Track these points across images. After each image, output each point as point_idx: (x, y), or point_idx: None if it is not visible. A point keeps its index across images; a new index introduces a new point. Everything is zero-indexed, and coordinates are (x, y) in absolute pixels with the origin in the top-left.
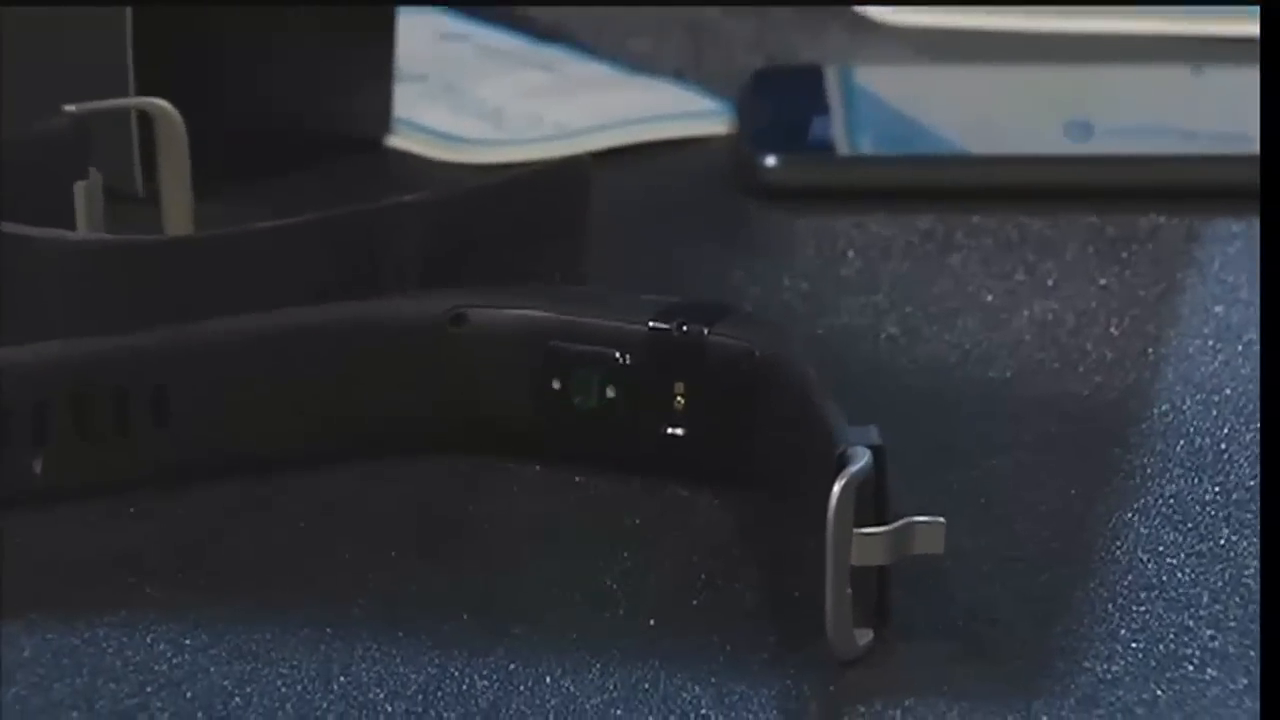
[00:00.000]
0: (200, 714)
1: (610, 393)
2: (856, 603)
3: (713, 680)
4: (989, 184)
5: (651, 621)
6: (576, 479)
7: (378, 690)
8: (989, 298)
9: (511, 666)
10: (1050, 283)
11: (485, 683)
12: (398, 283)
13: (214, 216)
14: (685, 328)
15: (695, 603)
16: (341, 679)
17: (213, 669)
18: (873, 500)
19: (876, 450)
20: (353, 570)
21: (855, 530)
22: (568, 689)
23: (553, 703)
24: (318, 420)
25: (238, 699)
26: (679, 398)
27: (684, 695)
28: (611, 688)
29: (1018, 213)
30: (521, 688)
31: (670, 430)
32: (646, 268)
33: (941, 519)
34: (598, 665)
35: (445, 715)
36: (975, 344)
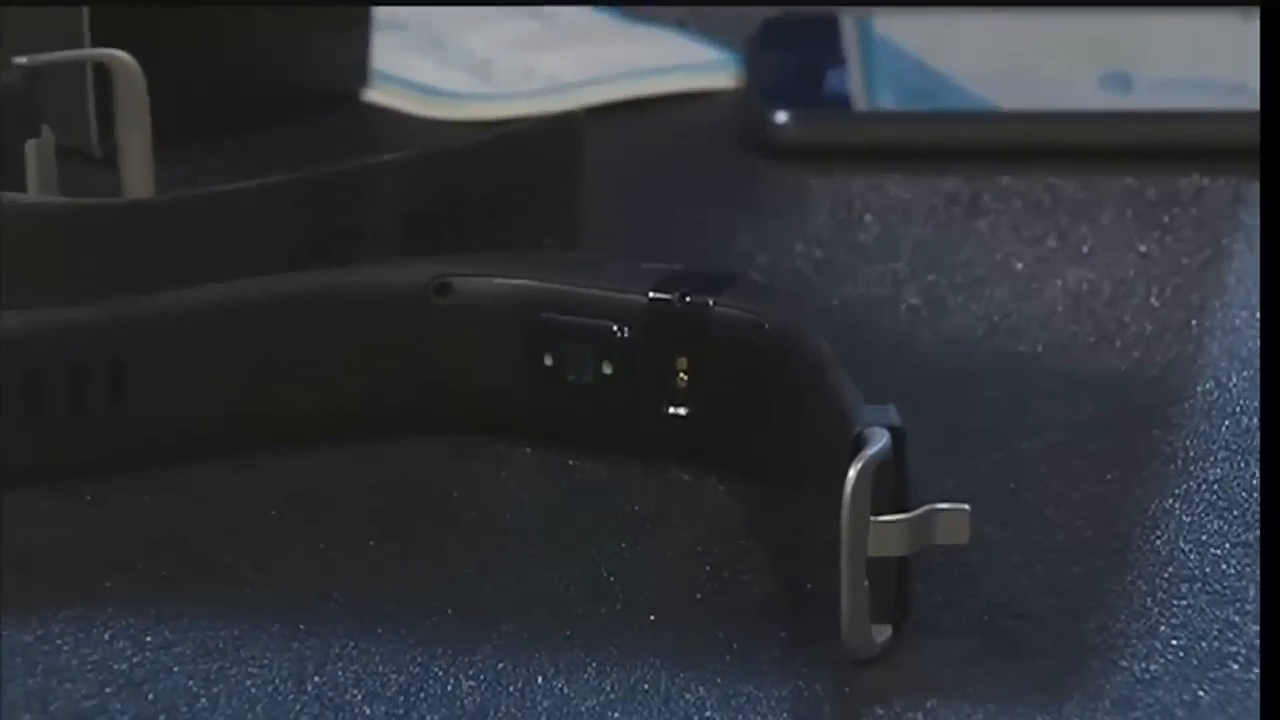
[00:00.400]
0: (163, 716)
1: (606, 369)
2: (874, 597)
3: (718, 680)
4: (1019, 142)
5: (652, 617)
6: (570, 462)
7: (355, 691)
8: (1018, 266)
9: (500, 666)
10: (1085, 249)
11: (471, 683)
12: (376, 250)
13: (176, 177)
14: (688, 298)
15: (699, 596)
16: (316, 679)
17: (176, 668)
18: (891, 486)
19: (896, 431)
20: (328, 561)
21: (872, 518)
22: (561, 690)
23: (544, 705)
24: (289, 399)
25: (204, 700)
26: (681, 374)
27: (687, 697)
28: (608, 689)
29: (1050, 173)
30: (510, 689)
31: (672, 409)
32: (646, 233)
33: (966, 506)
34: (593, 665)
35: (428, 718)
36: (1003, 316)
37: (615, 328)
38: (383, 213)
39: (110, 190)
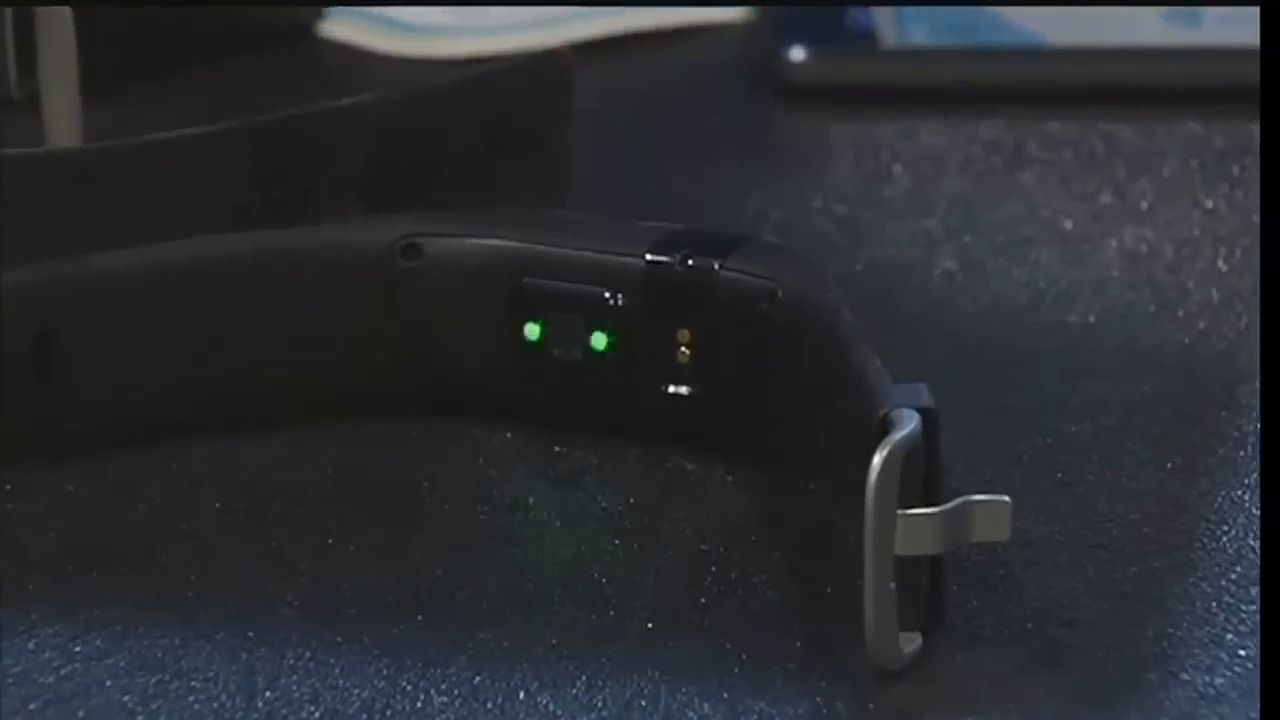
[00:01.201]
0: None
1: (598, 342)
2: (901, 601)
3: (725, 696)
4: (1069, 82)
5: (650, 624)
6: (556, 448)
7: (312, 709)
8: (1068, 224)
9: (477, 680)
10: (1144, 206)
11: (444, 699)
12: (335, 207)
13: (107, 124)
14: (691, 261)
15: (703, 601)
16: (268, 694)
17: (110, 681)
18: (922, 475)
19: (927, 414)
20: (281, 560)
21: (900, 511)
22: (546, 707)
23: None
24: (236, 376)
25: (141, 717)
26: (684, 348)
27: (689, 715)
28: (600, 705)
29: (1104, 119)
30: (489, 705)
31: (673, 389)
32: (643, 188)
33: (1007, 498)
34: (583, 678)
35: None
36: (1051, 282)
37: (608, 295)
38: (342, 164)
39: (32, 139)
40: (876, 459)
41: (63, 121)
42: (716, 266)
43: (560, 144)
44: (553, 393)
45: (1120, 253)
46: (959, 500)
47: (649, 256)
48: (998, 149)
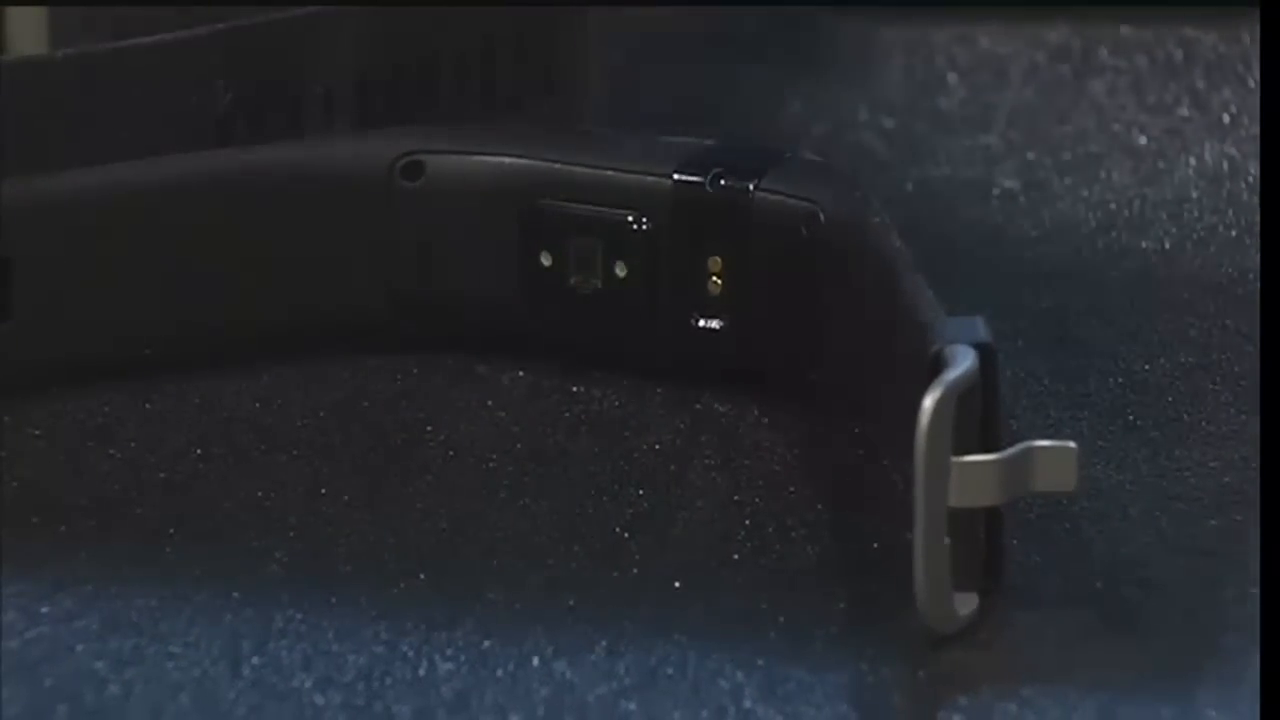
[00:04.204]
0: (64, 706)
1: (620, 270)
2: (957, 558)
3: (759, 663)
4: None
5: (676, 584)
6: (574, 388)
7: (303, 676)
8: (1142, 140)
9: (485, 644)
10: (1225, 119)
11: (449, 665)
12: (327, 120)
13: (71, 28)
14: (724, 181)
15: (736, 557)
16: (254, 660)
17: (80, 646)
18: (979, 418)
19: (984, 350)
20: (268, 512)
21: (954, 459)
22: (562, 675)
23: (542, 693)
24: (219, 307)
25: (114, 687)
26: (715, 277)
27: (720, 683)
28: (623, 673)
29: (1183, 22)
30: (499, 672)
31: (703, 322)
32: (669, 97)
33: (1072, 444)
34: (603, 642)
35: (396, 710)
36: (1123, 203)
37: (631, 218)
38: (334, 71)
39: None
40: (928, 400)
41: (26, 27)
42: (751, 187)
43: (576, 49)
44: (569, 327)
45: (1199, 171)
46: (1020, 446)
47: (677, 176)
48: (1064, 55)
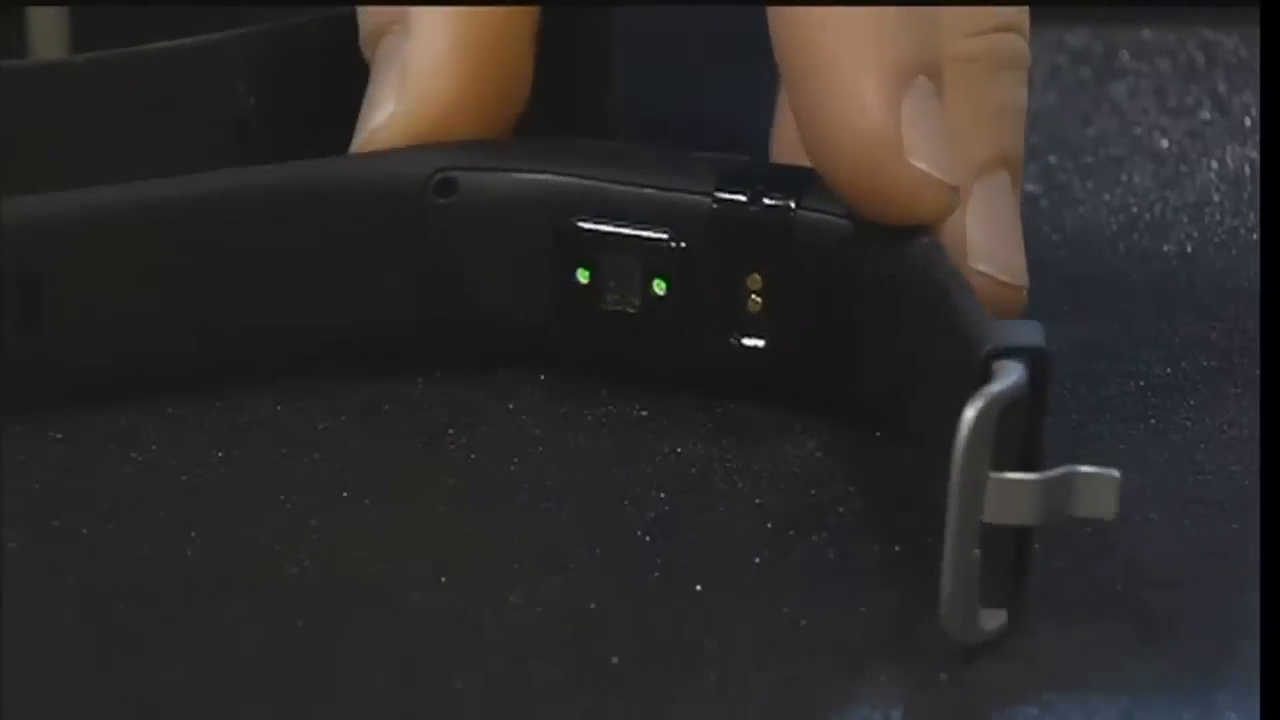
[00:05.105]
0: None
1: (659, 289)
2: (987, 573)
3: (780, 667)
4: None
5: (698, 587)
6: (595, 391)
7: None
8: (1164, 143)
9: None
10: (1248, 122)
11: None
12: (349, 125)
13: (97, 30)
14: (765, 199)
15: (758, 561)
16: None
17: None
18: (1022, 433)
19: (1039, 356)
20: (289, 519)
21: (992, 475)
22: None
23: None
24: (249, 325)
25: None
26: (755, 296)
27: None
28: None
29: (1205, 24)
30: None
31: (743, 340)
32: (708, 109)
33: (1116, 472)
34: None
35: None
36: (1145, 207)
37: (669, 236)
38: (358, 76)
39: (13, 50)
40: (969, 411)
41: (48, 30)
42: (793, 205)
43: (605, 58)
44: (604, 346)
45: (1221, 174)
46: (1062, 469)
47: (717, 193)
48: (1086, 58)
